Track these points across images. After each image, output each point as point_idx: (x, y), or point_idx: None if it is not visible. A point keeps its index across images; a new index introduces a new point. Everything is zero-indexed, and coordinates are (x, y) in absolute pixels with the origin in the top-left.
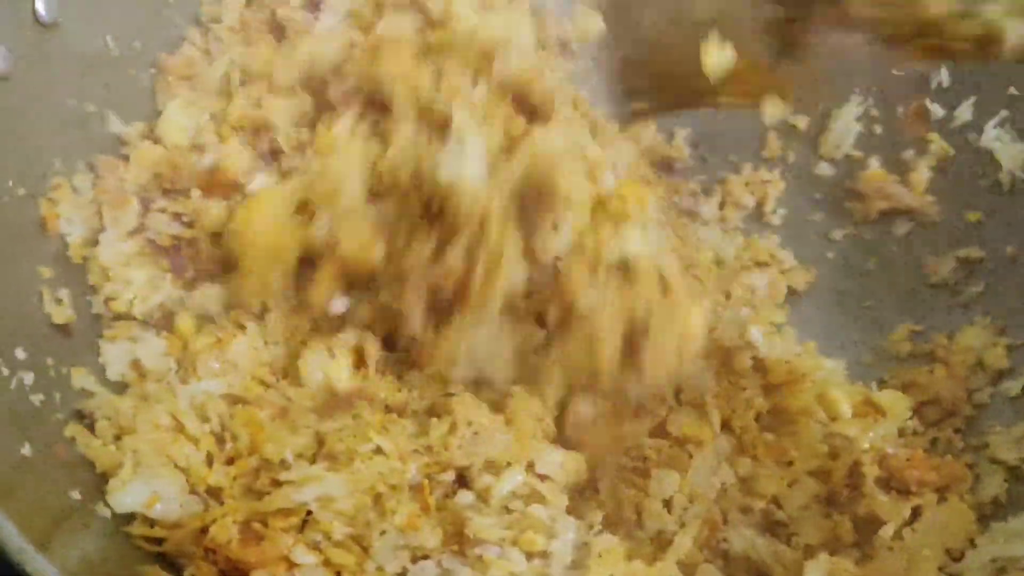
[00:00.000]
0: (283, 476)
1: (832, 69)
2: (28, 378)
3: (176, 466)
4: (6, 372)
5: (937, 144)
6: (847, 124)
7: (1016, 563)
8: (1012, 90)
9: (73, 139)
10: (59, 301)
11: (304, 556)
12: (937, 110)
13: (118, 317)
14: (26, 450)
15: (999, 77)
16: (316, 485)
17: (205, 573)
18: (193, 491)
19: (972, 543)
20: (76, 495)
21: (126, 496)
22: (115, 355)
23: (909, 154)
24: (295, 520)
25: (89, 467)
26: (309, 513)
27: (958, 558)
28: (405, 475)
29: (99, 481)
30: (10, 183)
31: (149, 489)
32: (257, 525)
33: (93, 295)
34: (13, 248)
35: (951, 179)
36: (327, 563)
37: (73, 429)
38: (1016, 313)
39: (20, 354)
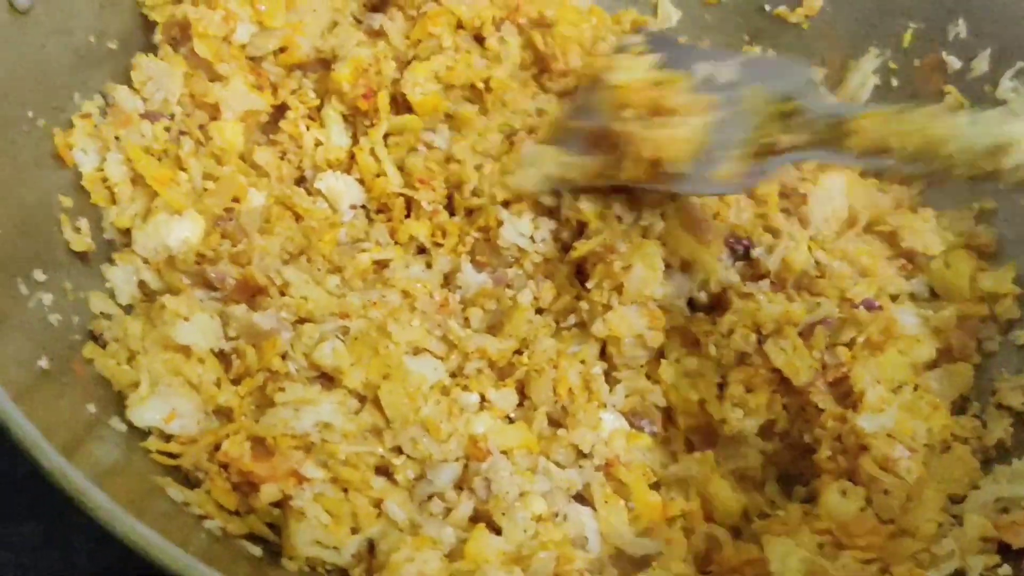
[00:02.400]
0: (279, 398)
1: (851, 21)
2: (47, 298)
3: (190, 384)
4: (25, 291)
5: (954, 96)
6: (864, 76)
7: (1019, 502)
8: None
9: (91, 74)
10: (77, 230)
11: (313, 471)
12: (954, 62)
13: (124, 238)
14: (43, 363)
15: (1016, 27)
16: (313, 410)
17: (220, 487)
18: (206, 410)
19: (975, 486)
20: (92, 408)
21: (146, 411)
22: (122, 278)
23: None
24: (304, 440)
25: (105, 384)
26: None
27: (960, 500)
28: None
29: (114, 397)
30: (30, 114)
31: (168, 405)
32: (269, 441)
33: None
34: (34, 176)
35: None
36: (335, 480)
37: (91, 349)
38: None
39: (39, 276)
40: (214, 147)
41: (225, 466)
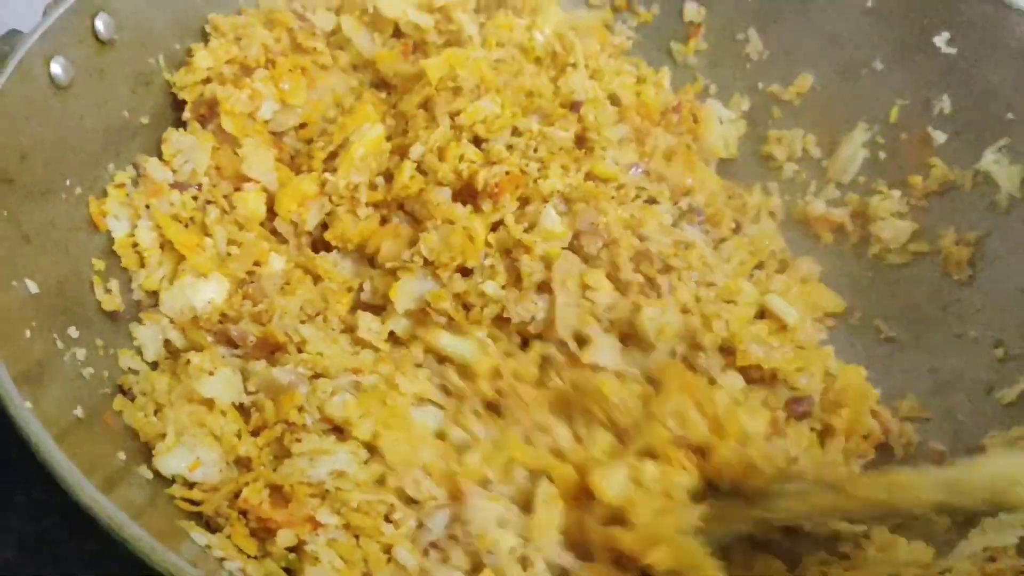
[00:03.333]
0: (295, 448)
1: (840, 98)
2: (80, 353)
3: (213, 435)
4: (61, 346)
5: (939, 168)
6: (854, 149)
7: (1005, 551)
8: (1010, 115)
9: (125, 146)
10: (108, 291)
11: (328, 517)
12: (939, 136)
13: (151, 299)
14: (79, 412)
15: (998, 104)
16: (328, 459)
17: (240, 532)
18: (227, 460)
19: (965, 535)
20: (122, 456)
21: (171, 460)
22: (149, 336)
23: (914, 178)
24: (319, 488)
25: (133, 435)
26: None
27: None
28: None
29: (141, 447)
30: (68, 182)
31: (192, 455)
32: (286, 489)
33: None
34: (70, 239)
35: (952, 200)
36: (347, 526)
37: (120, 403)
38: (1010, 327)
39: (73, 332)
40: (238, 215)
41: (244, 513)
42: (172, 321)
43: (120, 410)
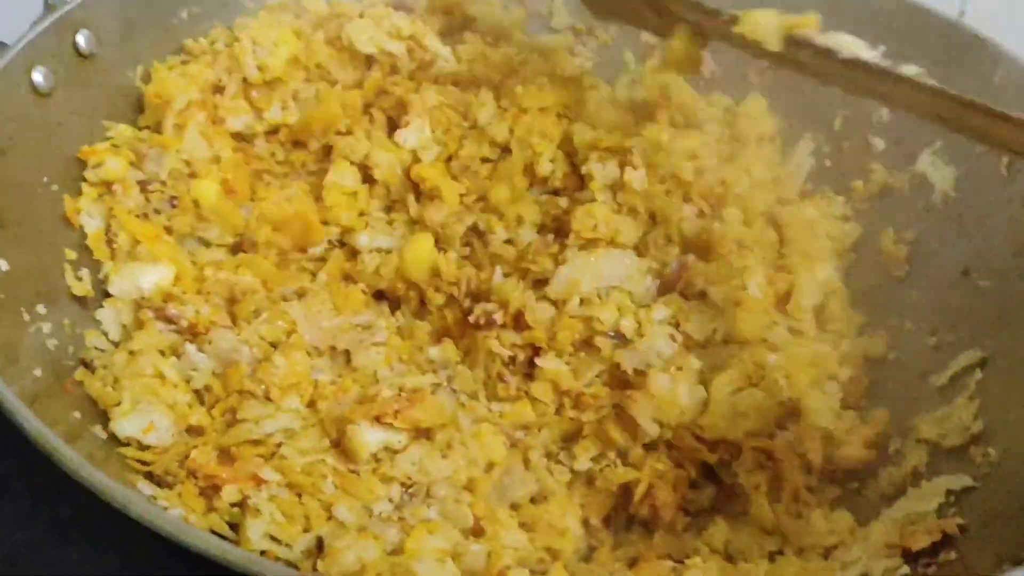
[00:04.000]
0: (241, 413)
1: (788, 113)
2: (46, 327)
3: (166, 404)
4: (27, 318)
5: (879, 172)
6: (801, 158)
7: (924, 517)
8: None
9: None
10: (79, 279)
11: (271, 474)
12: (878, 143)
13: None
14: (38, 372)
15: None
16: (271, 421)
17: (189, 491)
18: (180, 428)
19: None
20: (77, 415)
21: (126, 423)
22: (109, 317)
23: (856, 183)
24: (264, 450)
25: (91, 402)
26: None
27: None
28: None
29: (98, 411)
30: (44, 179)
31: (147, 419)
32: (233, 450)
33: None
34: (44, 231)
35: (891, 202)
36: (290, 484)
37: (82, 373)
38: (943, 317)
39: (41, 310)
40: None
41: (193, 473)
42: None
43: (81, 380)
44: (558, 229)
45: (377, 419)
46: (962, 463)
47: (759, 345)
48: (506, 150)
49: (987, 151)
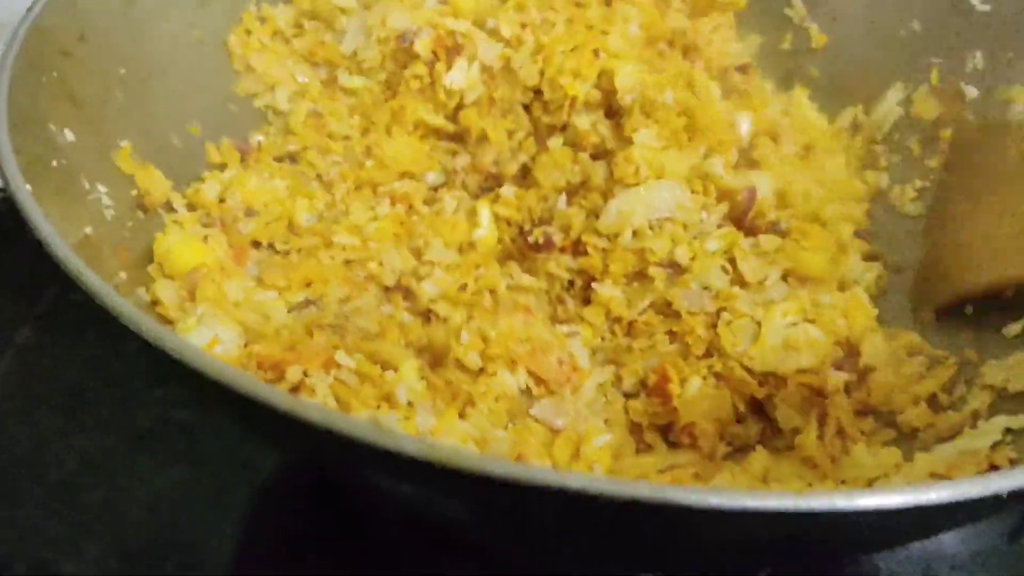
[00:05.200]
0: None
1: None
2: (106, 200)
3: (236, 320)
4: (87, 187)
5: (970, 121)
6: (889, 106)
7: (977, 453)
8: None
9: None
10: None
11: (346, 359)
12: (971, 91)
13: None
14: (88, 230)
15: None
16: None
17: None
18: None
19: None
20: (123, 276)
21: (191, 338)
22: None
23: (945, 132)
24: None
25: (138, 266)
26: None
27: None
28: None
29: (144, 275)
30: (122, 71)
31: (212, 333)
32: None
33: None
34: (112, 119)
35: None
36: (358, 372)
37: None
38: None
39: (101, 188)
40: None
41: (260, 364)
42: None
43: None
44: None
45: None
46: None
47: (822, 283)
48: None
49: None
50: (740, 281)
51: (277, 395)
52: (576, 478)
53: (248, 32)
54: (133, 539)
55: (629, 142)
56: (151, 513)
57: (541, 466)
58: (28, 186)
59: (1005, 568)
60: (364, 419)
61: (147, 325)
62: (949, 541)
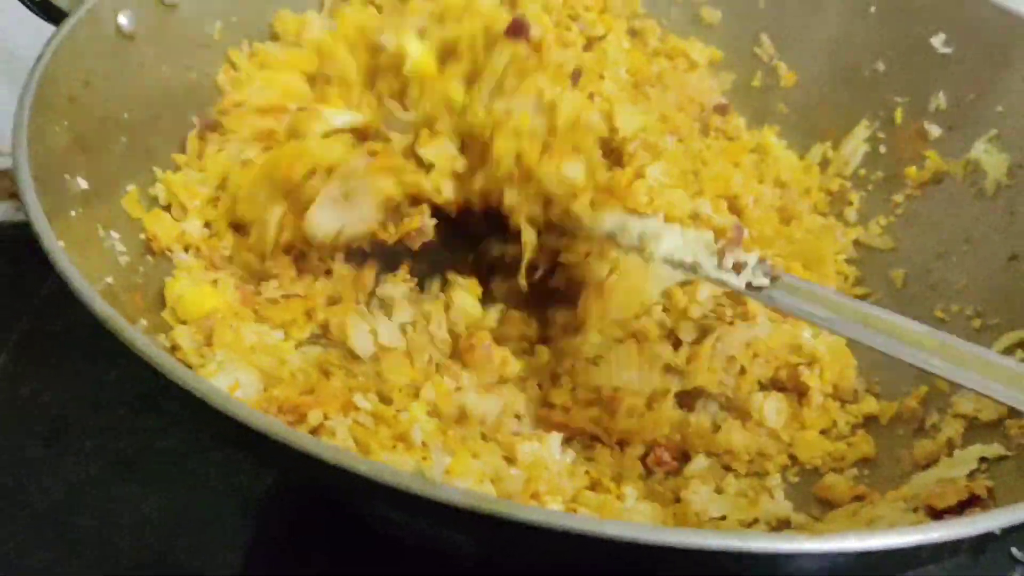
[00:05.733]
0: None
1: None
2: (120, 246)
3: (255, 366)
4: (102, 234)
5: (933, 159)
6: (856, 144)
7: (953, 482)
8: (999, 108)
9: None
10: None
11: (363, 401)
12: (934, 130)
13: None
14: (110, 280)
15: (989, 98)
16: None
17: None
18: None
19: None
20: (144, 322)
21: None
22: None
23: (910, 169)
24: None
25: (157, 312)
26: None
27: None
28: None
29: (163, 322)
30: (125, 115)
31: (232, 378)
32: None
33: None
34: (119, 164)
35: (944, 187)
36: (374, 414)
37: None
38: (988, 300)
39: (115, 235)
40: None
41: (280, 408)
42: None
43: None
44: None
45: None
46: (997, 435)
47: None
48: None
49: None
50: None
51: (323, 448)
52: (618, 526)
53: (234, 67)
54: (122, 567)
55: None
56: (139, 541)
57: (562, 508)
58: (61, 242)
59: None
60: (410, 471)
61: (194, 381)
62: None
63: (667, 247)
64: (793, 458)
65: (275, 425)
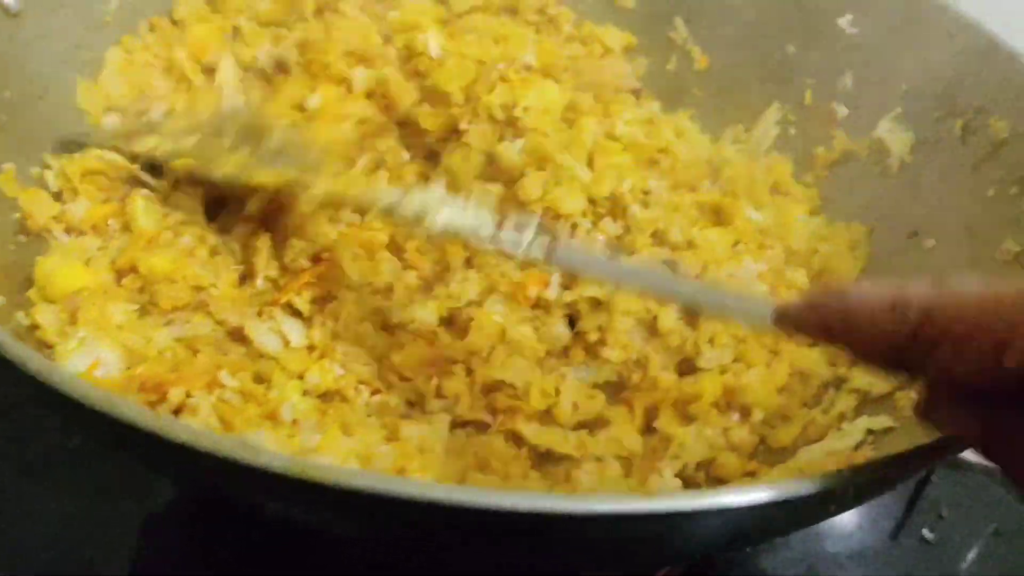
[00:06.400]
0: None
1: (756, 80)
2: None
3: (118, 342)
4: None
5: (840, 139)
6: (767, 126)
7: (839, 454)
8: (904, 86)
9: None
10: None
11: (228, 378)
12: (842, 110)
13: None
14: None
15: (894, 77)
16: None
17: None
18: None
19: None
20: (1, 300)
21: (71, 362)
22: None
23: (819, 149)
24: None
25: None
26: None
27: None
28: None
29: (23, 298)
30: (7, 94)
31: (92, 356)
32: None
33: None
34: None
35: (849, 168)
36: (242, 391)
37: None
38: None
39: None
40: None
41: (142, 386)
42: None
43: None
44: None
45: None
46: (887, 408)
47: None
48: None
49: (944, 116)
50: None
51: (139, 413)
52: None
53: (129, 52)
54: (28, 573)
55: None
56: (46, 546)
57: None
58: None
59: (888, 566)
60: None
61: (12, 348)
62: (832, 540)
63: (445, 217)
64: None
65: (92, 392)
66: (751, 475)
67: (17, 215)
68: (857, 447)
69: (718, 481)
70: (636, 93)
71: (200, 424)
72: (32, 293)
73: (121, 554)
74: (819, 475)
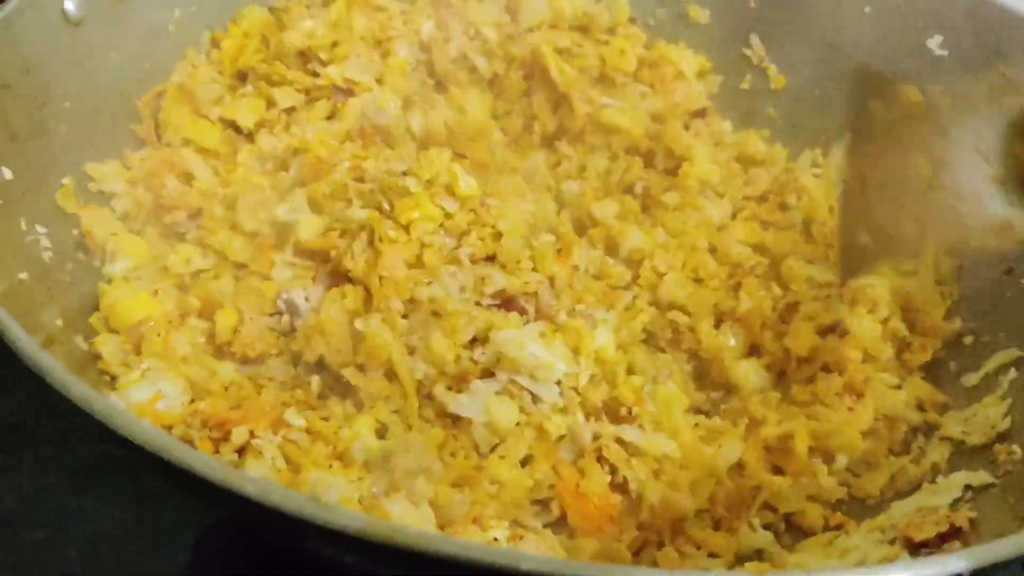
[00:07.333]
0: None
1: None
2: (44, 241)
3: (181, 375)
4: (24, 227)
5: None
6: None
7: (934, 511)
8: None
9: (128, 89)
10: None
11: (296, 418)
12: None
13: None
14: (23, 276)
15: None
16: None
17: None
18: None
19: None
20: (59, 323)
21: (133, 392)
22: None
23: None
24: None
25: (78, 313)
26: None
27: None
28: None
29: (83, 324)
30: (66, 104)
31: (154, 388)
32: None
33: None
34: (56, 155)
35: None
36: (309, 431)
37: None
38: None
39: (40, 228)
40: None
41: (205, 423)
42: None
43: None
44: None
45: None
46: (984, 461)
47: None
48: None
49: None
50: None
51: (201, 460)
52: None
53: (194, 66)
54: None
55: None
56: (92, 553)
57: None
58: None
59: None
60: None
61: (73, 385)
62: None
63: None
64: None
65: (150, 433)
66: (838, 528)
67: (76, 232)
68: (954, 504)
69: (800, 532)
70: (701, 114)
71: (266, 468)
72: (95, 320)
73: (168, 563)
74: None
